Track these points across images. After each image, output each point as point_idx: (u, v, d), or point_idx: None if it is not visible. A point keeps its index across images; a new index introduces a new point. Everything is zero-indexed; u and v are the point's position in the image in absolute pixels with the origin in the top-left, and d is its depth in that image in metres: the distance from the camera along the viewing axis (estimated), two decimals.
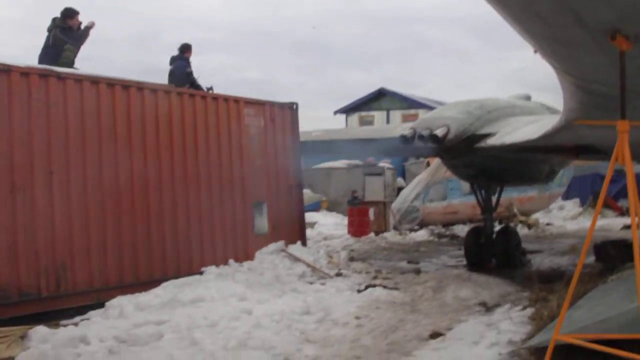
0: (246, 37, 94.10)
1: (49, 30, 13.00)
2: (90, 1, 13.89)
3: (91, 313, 10.62)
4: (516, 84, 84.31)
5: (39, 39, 12.91)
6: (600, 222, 24.96)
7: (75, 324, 9.84)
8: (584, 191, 30.80)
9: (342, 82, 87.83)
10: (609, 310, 8.22)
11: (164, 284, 11.98)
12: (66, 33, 12.97)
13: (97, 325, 9.67)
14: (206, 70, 14.52)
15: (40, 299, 10.69)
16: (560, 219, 29.06)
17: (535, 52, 6.73)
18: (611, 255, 13.37)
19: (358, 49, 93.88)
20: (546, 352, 6.81)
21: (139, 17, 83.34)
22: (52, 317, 10.27)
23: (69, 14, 13.13)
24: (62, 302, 10.92)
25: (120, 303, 10.78)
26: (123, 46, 74.34)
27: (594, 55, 6.25)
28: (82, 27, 13.31)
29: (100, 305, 10.88)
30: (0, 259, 10.30)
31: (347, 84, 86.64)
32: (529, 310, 10.28)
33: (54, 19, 13.06)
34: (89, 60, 13.23)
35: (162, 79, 14.43)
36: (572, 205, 31.49)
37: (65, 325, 9.67)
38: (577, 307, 8.94)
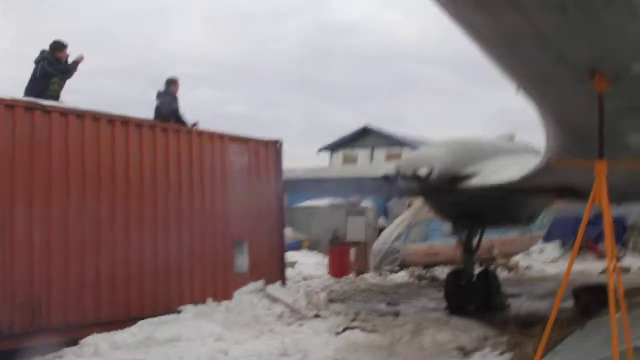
0: (232, 72, 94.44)
1: (37, 62, 12.96)
2: (76, 34, 13.89)
3: (65, 350, 10.48)
4: (501, 122, 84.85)
5: (25, 70, 12.87)
6: (580, 266, 25.02)
7: None
8: (565, 234, 30.85)
9: (327, 119, 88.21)
10: (586, 356, 8.21)
11: (141, 322, 11.86)
12: (54, 66, 12.93)
13: None
14: (191, 105, 14.61)
15: (13, 336, 10.54)
16: (540, 261, 29.09)
17: (518, 91, 6.78)
18: (589, 300, 13.37)
19: (343, 85, 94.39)
20: None
21: (125, 50, 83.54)
22: (25, 353, 10.10)
23: (58, 46, 13.12)
24: (36, 339, 10.70)
25: (95, 341, 10.69)
26: (109, 79, 74.39)
27: (574, 95, 6.32)
28: (71, 60, 13.29)
29: (75, 342, 10.72)
30: None
31: (332, 121, 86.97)
32: (507, 356, 10.23)
33: (42, 51, 13.03)
34: (77, 93, 13.21)
35: (148, 112, 14.41)
36: (553, 248, 31.54)
37: None
38: (556, 352, 8.93)
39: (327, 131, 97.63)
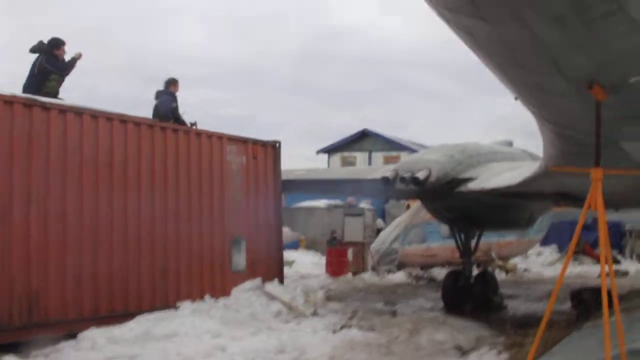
0: (230, 74, 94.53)
1: (33, 51, 12.97)
2: (75, 31, 13.91)
3: (63, 344, 10.47)
4: (500, 129, 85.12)
5: (24, 65, 12.90)
6: (577, 269, 25.21)
7: (46, 355, 9.75)
8: (563, 238, 30.92)
9: (325, 122, 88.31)
10: (583, 357, 8.25)
11: (138, 317, 11.90)
12: (52, 63, 12.96)
13: (68, 357, 9.64)
14: (189, 105, 14.64)
15: (11, 329, 10.54)
16: (538, 264, 29.15)
17: (516, 99, 6.85)
18: (587, 302, 13.42)
19: (342, 89, 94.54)
20: None
21: (123, 49, 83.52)
22: (23, 347, 10.12)
23: (56, 44, 13.14)
24: (34, 332, 10.73)
25: (93, 335, 10.71)
26: (107, 78, 74.43)
27: (572, 103, 6.37)
28: (69, 57, 13.32)
29: (73, 336, 10.74)
30: None
31: (330, 124, 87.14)
32: (504, 355, 10.27)
33: (40, 42, 13.04)
34: (73, 91, 13.23)
35: (146, 111, 14.45)
36: (550, 252, 31.62)
37: (35, 357, 9.56)
38: (552, 353, 8.96)
39: (325, 134, 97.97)
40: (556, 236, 31.53)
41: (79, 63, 13.43)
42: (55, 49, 13.11)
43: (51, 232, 11.40)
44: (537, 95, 6.57)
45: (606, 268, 6.33)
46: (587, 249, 28.55)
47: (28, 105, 11.28)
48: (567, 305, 14.12)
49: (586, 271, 25.12)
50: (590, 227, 17.18)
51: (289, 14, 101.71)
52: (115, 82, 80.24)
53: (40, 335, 10.68)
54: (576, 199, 13.20)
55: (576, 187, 12.04)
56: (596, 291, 14.06)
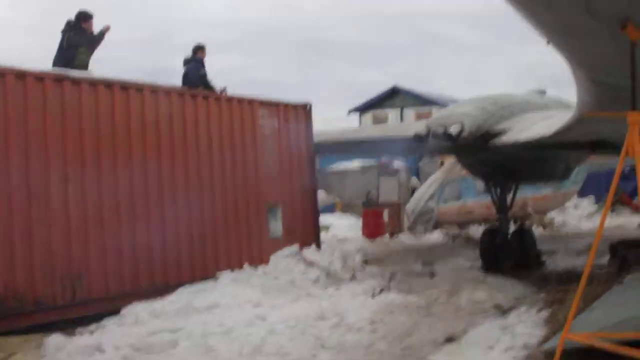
0: (254, 37, 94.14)
1: (63, 32, 13.00)
2: (97, 3, 13.87)
3: (106, 321, 10.58)
4: (531, 79, 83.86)
5: (54, 41, 12.94)
6: (616, 221, 24.80)
7: (91, 332, 9.87)
8: (599, 189, 30.55)
9: (353, 81, 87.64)
10: (625, 311, 8.19)
11: (179, 290, 11.99)
12: (80, 36, 12.94)
13: (112, 333, 9.70)
14: (215, 71, 14.62)
15: (55, 308, 10.73)
16: (575, 217, 28.81)
17: (548, 43, 6.67)
18: (627, 255, 13.29)
19: (368, 46, 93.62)
20: (566, 356, 6.76)
21: (145, 19, 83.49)
22: (68, 325, 10.25)
23: (83, 16, 13.10)
24: (78, 311, 10.91)
25: (136, 310, 10.82)
26: (131, 48, 74.50)
27: (605, 46, 6.21)
28: (96, 30, 13.30)
29: (116, 312, 10.90)
30: (16, 268, 10.34)
31: (359, 83, 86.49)
32: (545, 313, 10.19)
33: (69, 22, 13.06)
34: (99, 62, 13.25)
35: (173, 80, 14.44)
36: (587, 203, 31.24)
37: (80, 334, 9.70)
38: (593, 308, 8.91)
39: (355, 93, 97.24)
40: (594, 187, 31.12)
41: (107, 36, 13.43)
42: (83, 22, 13.09)
43: (89, 209, 11.49)
44: (569, 39, 6.41)
45: None
46: (625, 199, 28.19)
47: (58, 80, 11.33)
48: (607, 259, 13.98)
49: (625, 222, 24.85)
50: (628, 176, 16.89)
51: None
52: (141, 53, 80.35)
53: (84, 312, 10.87)
54: (613, 147, 13.00)
55: (612, 134, 11.85)
56: (636, 243, 13.95)
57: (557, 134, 11.64)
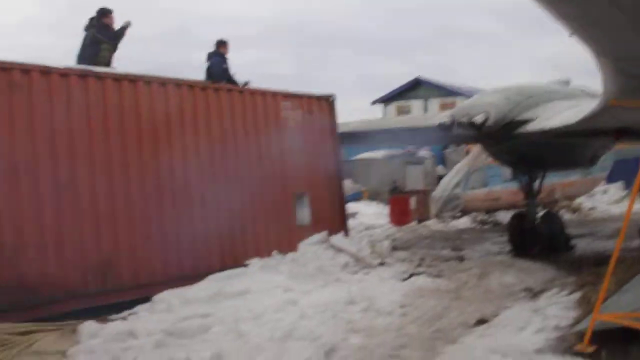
0: (276, 32, 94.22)
1: (86, 29, 13.14)
2: (120, 1, 13.96)
3: (139, 307, 10.70)
4: (553, 69, 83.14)
5: (77, 39, 13.06)
6: None
7: (124, 319, 9.96)
8: (628, 174, 30.28)
9: (376, 73, 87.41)
10: None
11: (210, 277, 12.06)
12: (102, 32, 13.06)
13: (144, 320, 9.80)
14: (238, 66, 14.65)
15: (87, 295, 10.85)
16: (604, 202, 28.63)
17: (571, 35, 6.65)
18: None
19: (390, 39, 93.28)
20: (597, 337, 6.76)
21: (167, 14, 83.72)
22: (100, 312, 10.35)
23: (104, 13, 13.24)
24: (110, 298, 11.03)
25: (167, 297, 10.91)
26: (154, 44, 74.79)
27: (630, 36, 6.17)
28: (117, 26, 13.43)
29: (147, 299, 11.01)
30: (48, 257, 10.49)
31: (382, 75, 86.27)
32: (576, 295, 10.18)
33: (91, 19, 13.19)
34: (121, 59, 13.37)
35: (195, 75, 14.51)
36: (616, 189, 31.03)
37: (113, 320, 9.80)
38: (624, 291, 8.88)
39: (378, 84, 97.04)
40: (622, 173, 30.87)
41: (128, 31, 13.55)
42: (104, 18, 13.21)
43: (117, 199, 11.63)
44: (592, 30, 6.38)
45: None
46: None
47: (83, 76, 11.44)
48: (637, 242, 13.90)
49: None
50: None
51: None
52: (163, 49, 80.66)
53: (115, 299, 10.99)
54: (638, 134, 12.95)
55: (638, 122, 11.78)
56: None
57: (582, 122, 11.58)
